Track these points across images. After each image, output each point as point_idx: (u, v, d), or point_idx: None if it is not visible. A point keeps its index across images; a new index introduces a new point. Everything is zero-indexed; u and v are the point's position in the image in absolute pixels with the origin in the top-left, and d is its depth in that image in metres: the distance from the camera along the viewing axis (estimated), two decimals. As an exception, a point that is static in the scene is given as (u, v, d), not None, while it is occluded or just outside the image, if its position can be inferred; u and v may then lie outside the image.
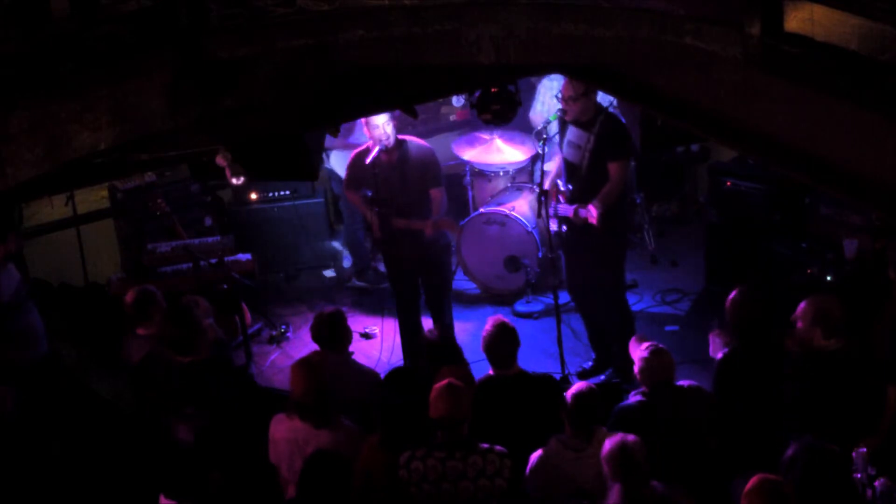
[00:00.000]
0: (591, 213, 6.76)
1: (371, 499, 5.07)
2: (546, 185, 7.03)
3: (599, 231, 6.90)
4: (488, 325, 5.66)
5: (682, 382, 5.47)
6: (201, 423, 5.53)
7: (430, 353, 5.76)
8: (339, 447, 5.16)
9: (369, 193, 7.29)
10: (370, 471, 5.08)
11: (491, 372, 5.64)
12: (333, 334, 5.90)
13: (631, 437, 4.68)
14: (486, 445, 4.91)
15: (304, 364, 5.34)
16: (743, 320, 5.63)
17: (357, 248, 8.92)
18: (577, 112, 6.90)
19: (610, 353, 7.38)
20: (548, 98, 8.82)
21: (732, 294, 5.70)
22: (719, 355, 5.76)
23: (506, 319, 5.74)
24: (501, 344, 5.59)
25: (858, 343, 5.51)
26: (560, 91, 7.03)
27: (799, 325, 5.35)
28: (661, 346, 5.43)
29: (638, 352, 5.41)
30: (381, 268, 8.46)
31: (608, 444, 4.69)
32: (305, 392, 5.24)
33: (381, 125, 7.09)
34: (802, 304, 5.36)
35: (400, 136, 7.26)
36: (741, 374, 5.56)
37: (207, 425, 5.51)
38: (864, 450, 4.88)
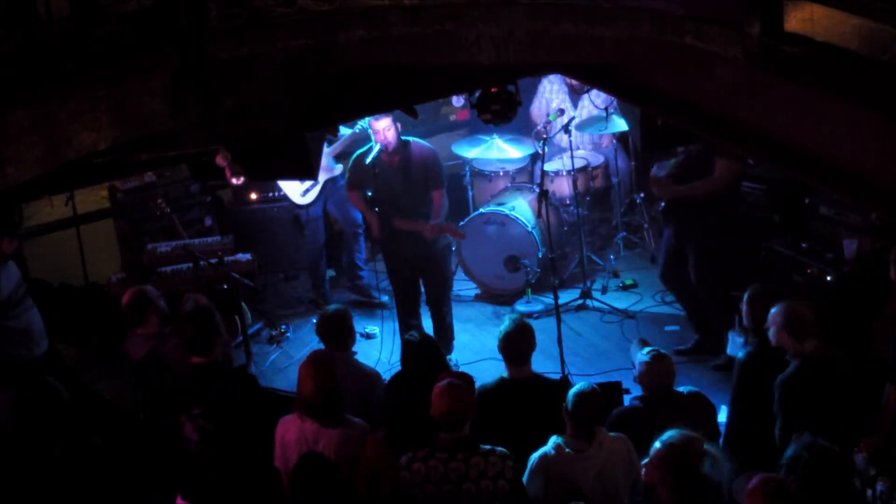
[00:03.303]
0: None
1: (376, 500, 5.06)
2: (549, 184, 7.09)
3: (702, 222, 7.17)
4: (506, 324, 5.63)
5: (683, 389, 5.47)
6: (207, 424, 5.52)
7: (411, 353, 5.76)
8: (349, 445, 5.16)
9: (369, 193, 7.33)
10: (375, 471, 5.08)
11: (506, 374, 5.61)
12: (338, 332, 5.91)
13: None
14: (487, 447, 4.91)
15: (312, 363, 5.34)
16: (759, 317, 5.61)
17: (315, 269, 8.84)
18: None
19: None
20: (550, 96, 8.84)
21: (750, 290, 5.68)
22: (740, 354, 5.71)
23: (523, 318, 5.73)
24: (517, 342, 5.56)
25: (843, 345, 5.49)
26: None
27: (770, 329, 5.34)
28: (662, 351, 5.44)
29: (639, 356, 5.42)
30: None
31: (667, 435, 4.63)
32: (314, 392, 5.23)
33: (382, 130, 7.14)
34: (772, 311, 5.35)
35: (404, 138, 7.29)
36: (764, 370, 5.50)
37: (215, 427, 5.51)
38: (864, 450, 4.88)
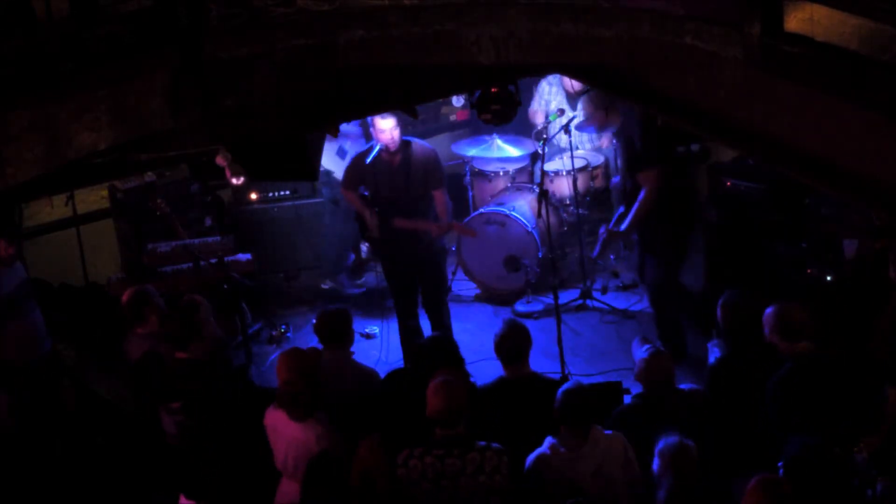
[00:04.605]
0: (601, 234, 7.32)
1: (370, 499, 5.06)
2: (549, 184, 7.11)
3: (653, 229, 7.20)
4: (500, 326, 5.63)
5: (683, 386, 5.47)
6: (186, 420, 5.54)
7: (427, 355, 5.74)
8: (310, 443, 5.15)
9: (366, 193, 7.31)
10: (369, 471, 5.08)
11: (504, 374, 5.60)
12: (336, 331, 5.91)
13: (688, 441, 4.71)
14: (483, 442, 4.92)
15: (289, 353, 5.37)
16: (734, 323, 5.64)
17: (342, 255, 8.87)
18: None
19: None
20: (549, 97, 8.83)
21: (723, 297, 5.71)
22: (712, 359, 5.75)
23: (516, 319, 5.73)
24: (511, 341, 5.55)
25: (843, 345, 5.50)
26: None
27: (764, 329, 5.36)
28: (660, 348, 5.44)
29: (638, 353, 5.42)
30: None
31: (664, 442, 4.71)
32: (285, 381, 5.26)
33: (388, 129, 7.09)
34: (767, 310, 5.37)
35: (404, 138, 7.28)
36: (734, 376, 5.55)
37: (192, 423, 5.52)
38: (864, 450, 4.88)
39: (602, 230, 7.47)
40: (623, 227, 7.21)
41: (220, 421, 5.54)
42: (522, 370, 5.57)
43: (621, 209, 7.40)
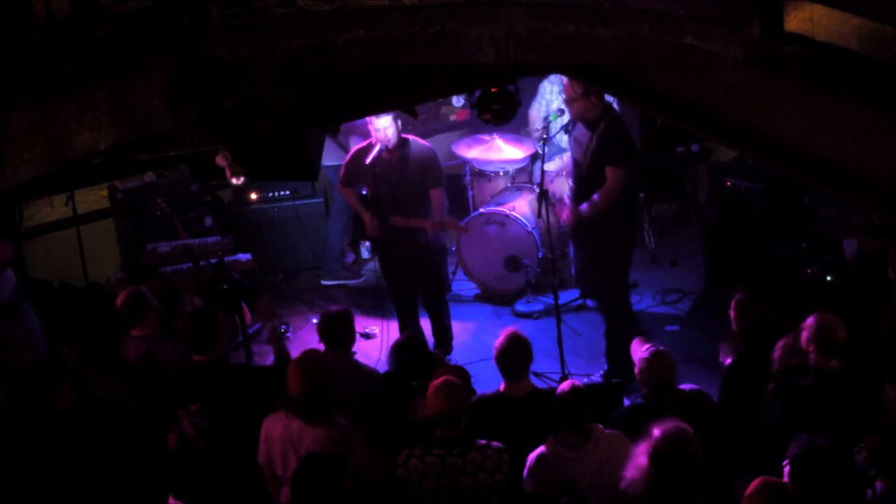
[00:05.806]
0: (562, 215, 7.25)
1: (366, 499, 5.07)
2: (549, 184, 7.08)
3: (602, 233, 6.99)
4: (501, 337, 5.52)
5: (685, 386, 5.46)
6: (205, 421, 5.53)
7: (400, 357, 5.73)
8: (334, 444, 5.16)
9: (364, 192, 7.31)
10: (363, 471, 5.08)
11: (501, 388, 5.52)
12: (338, 333, 5.91)
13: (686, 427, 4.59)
14: (483, 441, 4.92)
15: (302, 362, 5.36)
16: (749, 322, 5.58)
17: (324, 250, 8.91)
18: (577, 113, 7.06)
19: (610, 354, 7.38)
20: (551, 97, 8.83)
21: (737, 296, 5.66)
22: (728, 360, 5.68)
23: (518, 331, 5.64)
24: (511, 355, 5.45)
25: (856, 355, 5.46)
26: (562, 92, 7.16)
27: (803, 334, 5.31)
28: (661, 347, 5.42)
29: (639, 353, 5.41)
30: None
31: (660, 429, 4.58)
32: (302, 390, 5.25)
33: (383, 129, 7.09)
34: (811, 317, 5.27)
35: (403, 135, 7.27)
36: (752, 376, 5.48)
37: (209, 425, 5.51)
38: (864, 450, 4.88)
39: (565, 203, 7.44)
40: (582, 207, 7.08)
41: (240, 421, 5.52)
42: (521, 386, 5.46)
43: (571, 184, 7.35)
